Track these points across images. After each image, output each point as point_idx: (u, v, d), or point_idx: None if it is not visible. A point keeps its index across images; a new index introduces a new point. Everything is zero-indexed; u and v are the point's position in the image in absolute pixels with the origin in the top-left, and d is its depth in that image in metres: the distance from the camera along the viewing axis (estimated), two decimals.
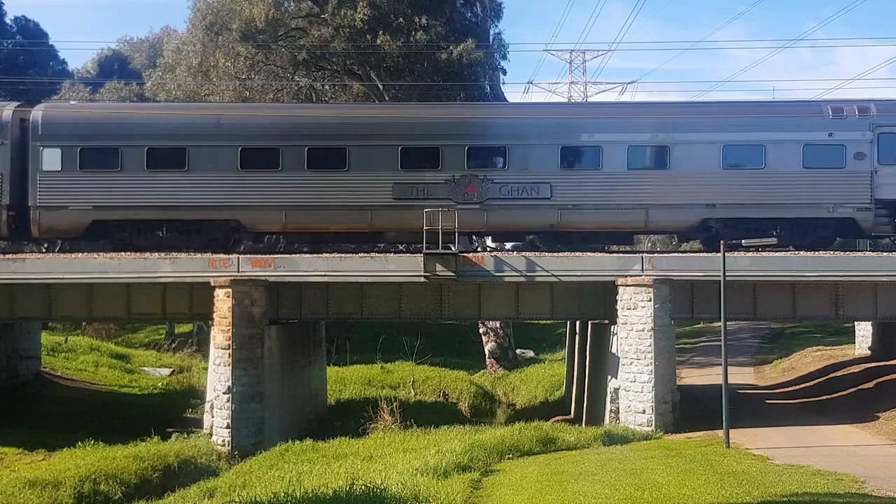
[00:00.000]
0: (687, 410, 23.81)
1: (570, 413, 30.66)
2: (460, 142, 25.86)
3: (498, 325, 41.06)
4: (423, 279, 24.42)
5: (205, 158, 25.78)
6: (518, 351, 43.56)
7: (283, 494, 15.23)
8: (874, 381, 27.22)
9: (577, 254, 24.87)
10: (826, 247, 25.58)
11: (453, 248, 24.23)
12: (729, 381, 20.27)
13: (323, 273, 24.47)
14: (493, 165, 26.02)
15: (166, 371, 36.66)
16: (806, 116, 26.08)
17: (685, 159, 25.74)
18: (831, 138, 25.55)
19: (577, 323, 32.13)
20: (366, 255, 25.16)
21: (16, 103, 26.81)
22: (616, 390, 24.03)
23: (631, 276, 23.88)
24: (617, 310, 23.95)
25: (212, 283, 23.87)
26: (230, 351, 23.29)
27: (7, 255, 25.11)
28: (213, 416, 23.54)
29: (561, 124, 26.41)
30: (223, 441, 23.05)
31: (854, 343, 34.36)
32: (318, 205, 25.78)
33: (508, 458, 19.44)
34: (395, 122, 26.67)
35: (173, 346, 42.79)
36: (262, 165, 25.80)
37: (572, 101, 57.01)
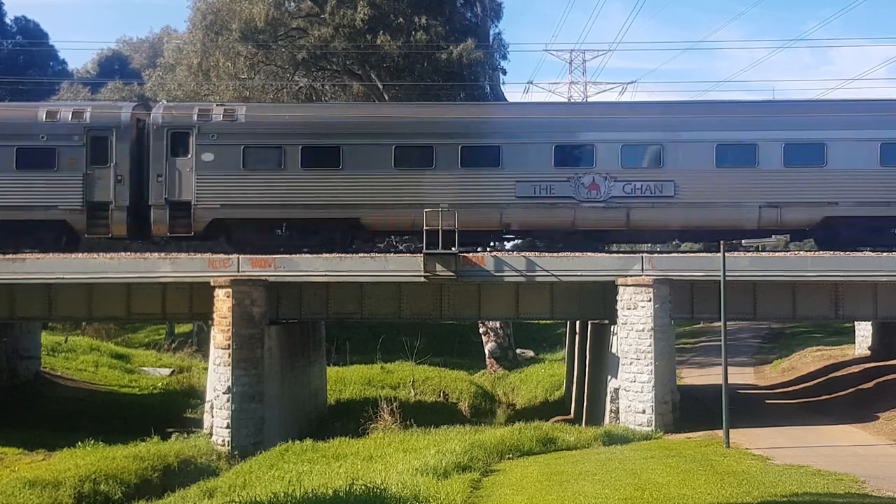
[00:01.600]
0: (687, 410, 23.80)
1: (570, 413, 30.66)
2: None
3: (498, 325, 41.03)
4: (423, 279, 24.42)
5: None
6: (518, 351, 43.53)
7: (283, 494, 15.24)
8: (874, 381, 27.22)
9: (577, 254, 24.85)
10: (47, 249, 25.31)
11: (453, 248, 24.24)
12: (729, 381, 20.29)
13: (323, 273, 24.48)
14: None
15: (166, 371, 36.66)
16: (19, 122, 25.80)
17: None
18: (44, 141, 25.49)
19: (577, 323, 32.13)
20: (366, 255, 25.16)
21: None
22: (616, 390, 24.03)
23: (631, 276, 23.88)
24: (617, 310, 23.95)
25: (212, 283, 23.87)
26: (230, 351, 23.29)
27: (7, 255, 25.10)
28: (213, 416, 23.54)
29: None
30: (223, 441, 23.04)
31: (854, 343, 34.36)
32: None
33: (508, 458, 19.44)
34: None
35: (173, 346, 42.77)
36: None
37: (570, 100, 56.79)
